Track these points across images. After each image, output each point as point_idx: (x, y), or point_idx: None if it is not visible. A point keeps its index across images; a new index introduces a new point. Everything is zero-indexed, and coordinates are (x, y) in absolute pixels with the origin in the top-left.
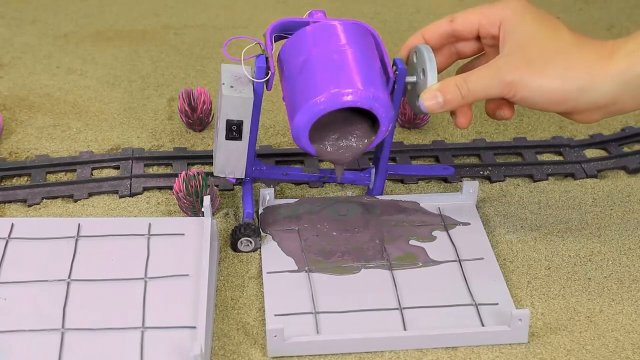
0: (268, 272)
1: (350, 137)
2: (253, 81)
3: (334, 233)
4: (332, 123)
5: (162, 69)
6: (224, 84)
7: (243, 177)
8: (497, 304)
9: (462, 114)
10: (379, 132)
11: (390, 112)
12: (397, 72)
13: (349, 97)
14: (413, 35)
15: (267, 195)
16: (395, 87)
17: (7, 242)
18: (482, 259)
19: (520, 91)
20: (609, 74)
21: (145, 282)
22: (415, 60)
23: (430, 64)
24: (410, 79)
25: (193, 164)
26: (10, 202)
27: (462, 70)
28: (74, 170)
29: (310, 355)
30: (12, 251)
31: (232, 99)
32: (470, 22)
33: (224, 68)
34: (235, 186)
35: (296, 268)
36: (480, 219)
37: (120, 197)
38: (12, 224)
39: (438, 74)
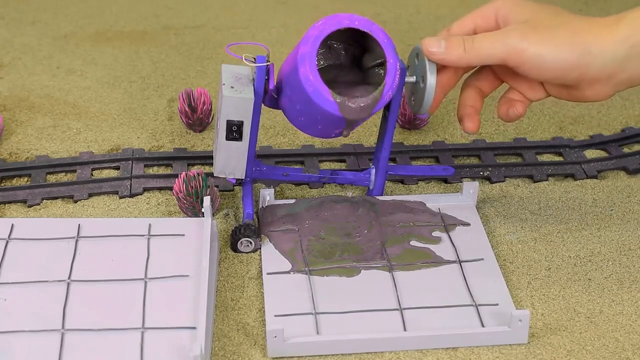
0: (268, 273)
1: (361, 91)
2: (254, 79)
3: (335, 234)
4: (337, 86)
5: (162, 70)
6: (224, 84)
7: (243, 177)
8: (497, 304)
9: (470, 119)
10: (388, 71)
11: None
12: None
13: (346, 21)
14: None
15: (267, 195)
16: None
17: (7, 242)
18: (482, 259)
19: (528, 59)
20: (616, 39)
21: (145, 282)
22: (416, 62)
23: (430, 67)
24: (410, 79)
25: (193, 165)
26: (10, 202)
27: (466, 83)
28: (74, 171)
29: (310, 356)
30: (12, 252)
31: (233, 99)
32: (466, 27)
33: (225, 68)
34: (235, 187)
35: (296, 269)
36: (480, 220)
37: (120, 197)
38: (12, 225)
39: (447, 92)
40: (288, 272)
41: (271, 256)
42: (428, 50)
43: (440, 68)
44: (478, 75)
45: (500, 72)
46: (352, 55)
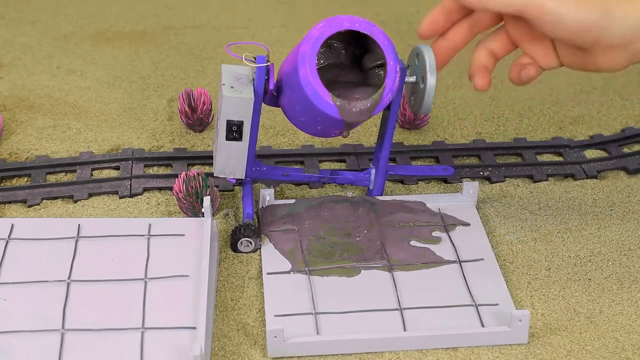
0: (268, 273)
1: (361, 94)
2: (254, 79)
3: (335, 234)
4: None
5: (162, 70)
6: (224, 84)
7: (243, 177)
8: (497, 304)
9: (481, 76)
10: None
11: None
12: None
13: (347, 23)
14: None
15: (267, 195)
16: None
17: (7, 242)
18: (482, 259)
19: (546, 13)
20: (636, 5)
21: (145, 282)
22: (416, 62)
23: (430, 67)
24: (410, 79)
25: (193, 165)
26: (10, 202)
27: (480, 44)
28: (74, 171)
29: (310, 356)
30: (12, 252)
31: (233, 99)
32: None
33: (225, 69)
34: (235, 187)
35: (296, 269)
36: (480, 220)
37: (120, 197)
38: (12, 225)
39: (458, 51)
40: (288, 272)
41: (271, 256)
42: None
43: (455, 23)
44: (492, 36)
45: (514, 34)
46: (352, 54)
